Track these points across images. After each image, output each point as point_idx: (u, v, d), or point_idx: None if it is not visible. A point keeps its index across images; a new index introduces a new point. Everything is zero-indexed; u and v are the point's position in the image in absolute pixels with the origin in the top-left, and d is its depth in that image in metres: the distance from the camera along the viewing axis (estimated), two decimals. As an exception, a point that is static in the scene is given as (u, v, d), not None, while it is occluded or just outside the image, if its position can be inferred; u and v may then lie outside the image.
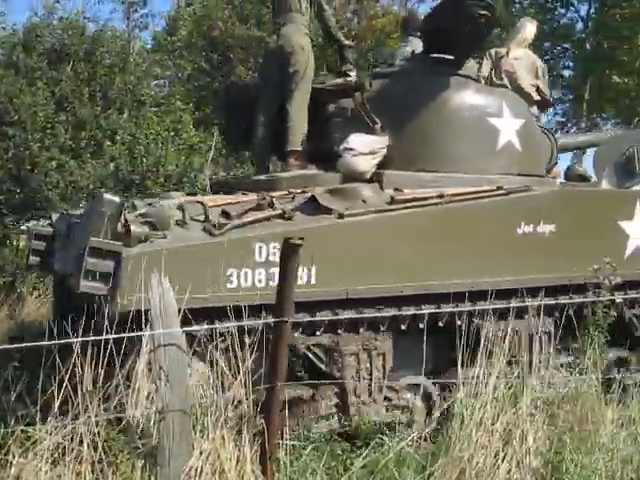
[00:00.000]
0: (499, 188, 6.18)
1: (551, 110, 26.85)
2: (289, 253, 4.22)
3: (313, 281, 5.11)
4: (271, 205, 5.31)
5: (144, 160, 12.12)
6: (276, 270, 4.50)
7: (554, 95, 29.06)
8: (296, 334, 5.21)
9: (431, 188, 5.97)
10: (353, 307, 5.37)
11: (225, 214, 5.12)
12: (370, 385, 5.59)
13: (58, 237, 6.32)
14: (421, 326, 5.49)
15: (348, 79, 6.81)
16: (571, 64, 28.59)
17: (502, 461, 4.56)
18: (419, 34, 7.33)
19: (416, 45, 7.35)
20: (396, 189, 5.92)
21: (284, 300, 4.29)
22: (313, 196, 5.47)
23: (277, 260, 4.46)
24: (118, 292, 4.51)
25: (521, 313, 5.84)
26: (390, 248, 5.42)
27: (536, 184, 6.61)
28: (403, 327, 5.69)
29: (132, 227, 4.68)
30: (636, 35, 24.02)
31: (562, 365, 6.06)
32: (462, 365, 4.96)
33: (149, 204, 5.22)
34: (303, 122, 6.74)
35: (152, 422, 4.26)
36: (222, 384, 4.46)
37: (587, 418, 4.78)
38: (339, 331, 5.44)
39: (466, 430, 4.58)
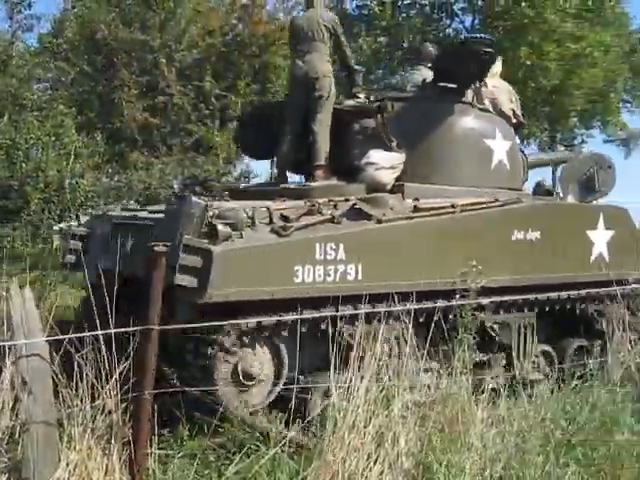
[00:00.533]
0: (496, 200, 7.35)
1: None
2: (154, 261, 4.20)
3: (360, 277, 5.96)
4: (320, 211, 6.09)
5: (23, 165, 11.76)
6: (332, 267, 5.74)
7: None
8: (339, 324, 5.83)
9: (440, 199, 7.03)
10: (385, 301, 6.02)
11: (284, 218, 5.81)
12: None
13: (94, 237, 7.08)
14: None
15: (359, 100, 7.91)
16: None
17: (374, 463, 4.58)
18: (429, 65, 8.43)
19: (425, 73, 8.39)
20: (415, 199, 6.94)
21: (152, 306, 4.22)
22: (355, 204, 6.28)
23: (334, 258, 5.74)
24: (208, 285, 5.14)
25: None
26: (415, 249, 6.37)
27: (522, 197, 8.05)
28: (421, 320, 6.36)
29: (219, 227, 5.32)
30: (518, 47, 24.81)
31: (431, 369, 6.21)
32: (335, 369, 4.99)
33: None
34: (326, 140, 7.62)
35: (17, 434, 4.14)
36: (92, 394, 4.37)
37: (457, 419, 4.87)
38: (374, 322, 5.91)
39: (339, 433, 4.58)
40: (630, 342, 6.94)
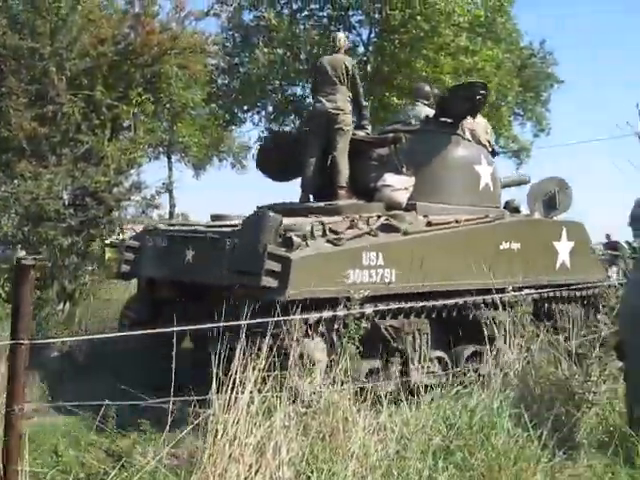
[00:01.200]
0: (486, 216, 8.85)
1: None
2: (22, 274, 4.05)
3: (394, 279, 7.32)
4: (356, 225, 7.48)
5: None
6: (374, 271, 7.16)
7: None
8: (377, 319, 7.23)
9: (444, 215, 8.56)
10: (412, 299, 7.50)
11: (334, 231, 7.18)
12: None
13: (146, 249, 8.11)
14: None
15: (366, 131, 9.66)
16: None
17: (255, 474, 4.51)
18: (425, 102, 10.07)
19: (422, 109, 9.94)
20: (424, 215, 8.51)
21: (20, 320, 4.05)
22: (387, 219, 7.81)
23: (377, 264, 7.14)
24: (288, 285, 6.42)
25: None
26: (431, 256, 7.54)
27: (502, 214, 9.59)
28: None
29: (294, 238, 6.64)
30: (414, 60, 25.22)
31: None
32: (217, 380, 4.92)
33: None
34: (346, 165, 9.09)
35: None
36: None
37: (339, 427, 4.84)
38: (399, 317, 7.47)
39: (219, 445, 4.49)
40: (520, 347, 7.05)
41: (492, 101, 28.30)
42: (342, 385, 5.13)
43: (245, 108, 29.81)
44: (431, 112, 9.73)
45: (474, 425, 4.98)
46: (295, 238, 6.63)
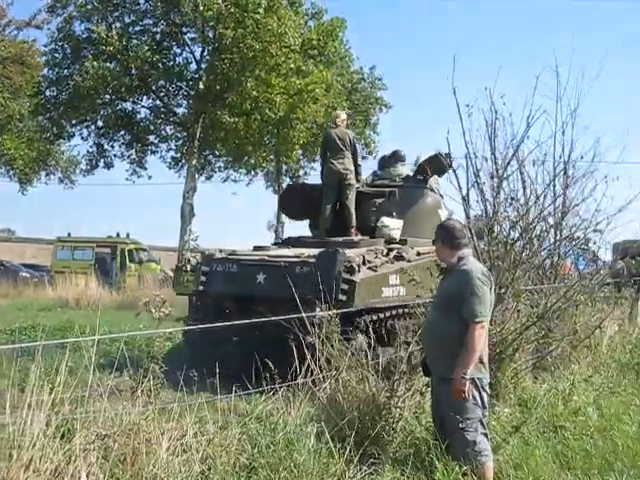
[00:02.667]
0: None
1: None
2: None
3: (403, 293, 9.89)
4: (377, 256, 10.20)
5: None
6: (395, 288, 9.91)
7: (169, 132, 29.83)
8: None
9: (425, 247, 10.56)
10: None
11: (368, 261, 9.84)
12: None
13: (215, 272, 10.40)
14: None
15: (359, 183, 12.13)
16: (185, 102, 29.32)
17: (53, 499, 4.31)
18: (403, 163, 12.92)
19: (401, 168, 12.79)
20: (412, 247, 10.98)
21: None
22: (399, 251, 10.59)
23: (395, 283, 9.87)
24: (354, 299, 9.17)
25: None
26: (423, 276, 8.26)
27: None
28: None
29: (354, 267, 9.39)
30: (246, 79, 25.32)
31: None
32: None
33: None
34: (353, 210, 11.69)
35: None
36: None
37: (142, 449, 4.72)
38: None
39: (11, 471, 4.25)
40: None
41: (321, 123, 28.94)
42: (145, 406, 5.01)
43: (74, 122, 28.97)
44: (407, 171, 12.74)
45: (278, 443, 5.00)
46: (355, 267, 9.35)
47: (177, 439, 4.91)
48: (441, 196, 12.29)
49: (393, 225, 11.48)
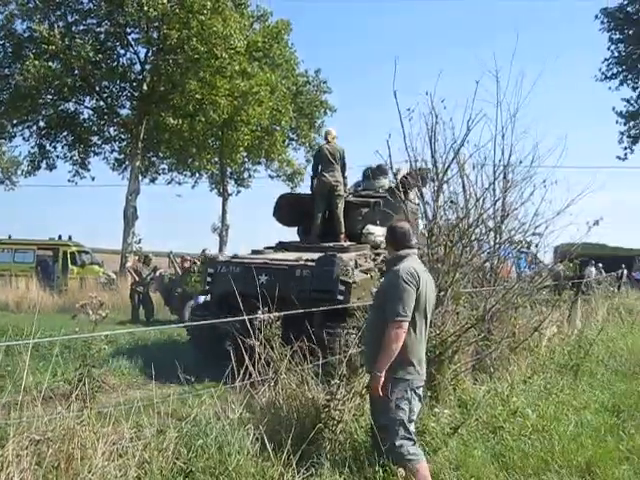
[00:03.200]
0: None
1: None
2: None
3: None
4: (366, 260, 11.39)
5: None
6: None
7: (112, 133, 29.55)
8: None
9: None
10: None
11: (358, 263, 10.92)
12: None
13: (220, 273, 11.58)
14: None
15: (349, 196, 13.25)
16: (128, 103, 29.06)
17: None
18: (385, 176, 13.54)
19: (383, 181, 13.53)
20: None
21: None
22: (385, 256, 10.46)
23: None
24: (350, 298, 10.03)
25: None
26: None
27: None
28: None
29: (350, 270, 10.38)
30: (189, 80, 25.15)
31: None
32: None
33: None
34: (342, 219, 12.70)
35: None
36: None
37: (77, 455, 4.62)
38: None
39: None
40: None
41: (266, 125, 28.92)
42: (81, 411, 4.91)
43: (15, 122, 28.45)
44: (389, 184, 13.20)
45: (212, 446, 4.95)
46: (350, 270, 10.35)
47: (113, 444, 4.83)
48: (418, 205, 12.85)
49: (378, 232, 12.30)
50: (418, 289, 5.13)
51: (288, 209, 13.90)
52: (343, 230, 12.74)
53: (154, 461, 4.78)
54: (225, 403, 5.90)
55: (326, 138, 13.51)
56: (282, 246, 13.08)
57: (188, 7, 24.83)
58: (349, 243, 12.45)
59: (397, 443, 5.11)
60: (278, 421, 5.73)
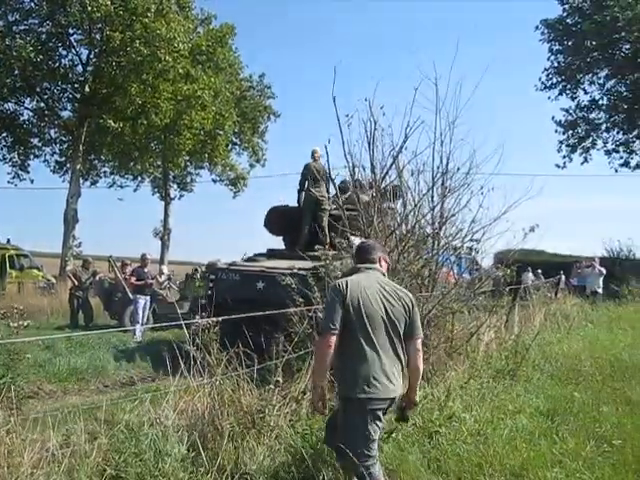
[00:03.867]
0: None
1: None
2: None
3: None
4: None
5: None
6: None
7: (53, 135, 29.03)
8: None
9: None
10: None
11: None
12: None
13: (221, 280, 13.00)
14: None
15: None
16: (70, 105, 28.68)
17: None
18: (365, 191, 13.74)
19: (362, 196, 12.62)
20: None
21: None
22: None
23: None
24: None
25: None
26: None
27: None
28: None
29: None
30: (131, 83, 24.90)
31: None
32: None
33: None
34: (327, 230, 13.32)
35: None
36: None
37: (1, 463, 4.52)
38: None
39: None
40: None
41: (209, 129, 28.78)
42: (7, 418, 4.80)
43: (-50, 123, 27.87)
44: (367, 198, 12.98)
45: (144, 452, 4.89)
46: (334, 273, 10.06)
47: (46, 450, 4.74)
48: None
49: (357, 242, 13.16)
50: (345, 301, 4.91)
51: (277, 220, 15.17)
52: (328, 241, 13.28)
53: (83, 468, 4.70)
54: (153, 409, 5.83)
55: (313, 156, 14.29)
56: (272, 254, 14.41)
57: (132, 9, 24.59)
58: (333, 252, 12.69)
59: (358, 461, 4.84)
60: (213, 427, 5.69)
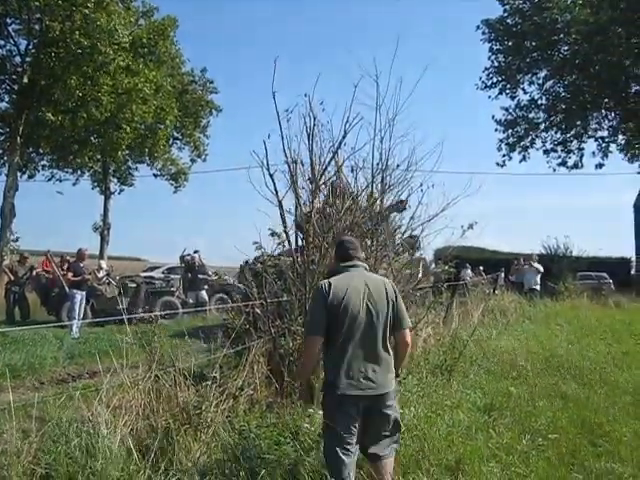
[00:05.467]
0: None
1: None
2: None
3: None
4: None
5: None
6: None
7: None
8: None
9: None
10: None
11: None
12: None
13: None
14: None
15: None
16: (7, 97, 28.12)
17: None
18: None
19: None
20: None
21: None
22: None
23: None
24: None
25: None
26: None
27: None
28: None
29: None
30: (71, 75, 24.52)
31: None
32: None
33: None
34: None
35: None
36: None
37: None
38: None
39: None
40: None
41: (150, 123, 28.48)
42: None
43: None
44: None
45: (74, 450, 4.81)
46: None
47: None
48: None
49: (338, 241, 14.62)
50: (327, 304, 4.94)
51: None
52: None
53: (14, 467, 4.60)
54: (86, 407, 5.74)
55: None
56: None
57: (72, -1, 24.17)
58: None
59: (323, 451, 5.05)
60: (148, 424, 5.62)
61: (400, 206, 12.57)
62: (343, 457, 4.86)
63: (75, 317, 15.60)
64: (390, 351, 5.09)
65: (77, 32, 24.37)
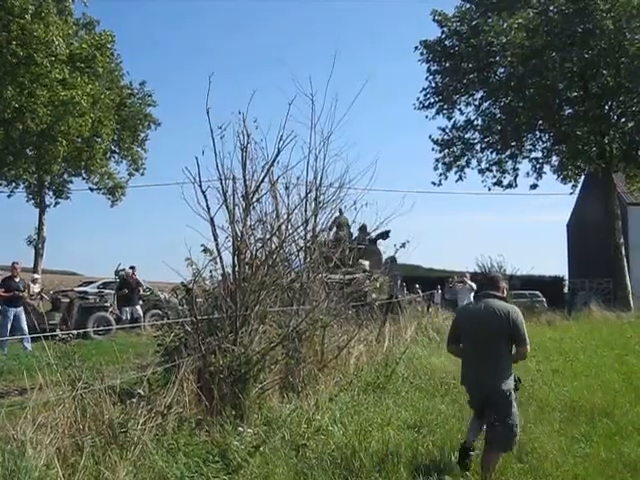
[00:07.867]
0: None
1: None
2: None
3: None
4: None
5: None
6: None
7: None
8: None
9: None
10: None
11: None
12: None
13: None
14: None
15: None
16: None
17: None
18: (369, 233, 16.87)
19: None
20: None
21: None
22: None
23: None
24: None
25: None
26: None
27: None
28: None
29: None
30: (6, 86, 24.39)
31: None
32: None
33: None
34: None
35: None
36: None
37: None
38: None
39: None
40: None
41: (87, 136, 28.09)
42: None
43: None
44: (370, 236, 16.75)
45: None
46: None
47: None
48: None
49: (365, 263, 16.21)
50: (457, 324, 6.76)
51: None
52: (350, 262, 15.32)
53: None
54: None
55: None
56: None
57: (8, 9, 23.82)
58: (352, 269, 14.82)
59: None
60: (74, 442, 5.53)
61: (385, 235, 16.99)
62: None
63: (4, 334, 15.18)
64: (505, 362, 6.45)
65: (14, 42, 24.02)
